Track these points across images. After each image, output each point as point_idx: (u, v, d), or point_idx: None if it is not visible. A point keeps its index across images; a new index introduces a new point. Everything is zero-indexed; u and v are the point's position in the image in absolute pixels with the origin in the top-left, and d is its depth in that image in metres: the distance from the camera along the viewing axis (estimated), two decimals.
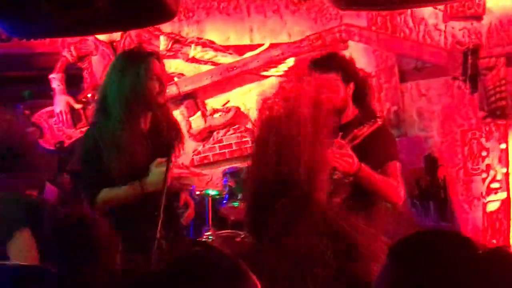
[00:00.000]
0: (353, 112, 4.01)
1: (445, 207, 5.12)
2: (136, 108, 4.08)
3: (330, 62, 4.01)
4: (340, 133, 3.82)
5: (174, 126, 4.30)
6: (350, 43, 6.16)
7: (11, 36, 3.66)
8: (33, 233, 3.62)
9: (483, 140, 4.72)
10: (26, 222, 3.65)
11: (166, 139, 4.12)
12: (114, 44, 6.22)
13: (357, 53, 6.17)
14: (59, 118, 6.14)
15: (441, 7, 5.03)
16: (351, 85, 3.97)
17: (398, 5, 3.48)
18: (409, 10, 5.19)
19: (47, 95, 6.23)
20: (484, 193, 4.77)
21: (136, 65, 4.11)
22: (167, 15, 3.33)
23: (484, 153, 4.75)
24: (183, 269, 1.90)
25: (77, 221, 3.09)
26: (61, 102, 6.15)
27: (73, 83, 6.28)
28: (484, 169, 4.75)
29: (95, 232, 3.07)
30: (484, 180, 4.76)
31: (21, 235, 3.60)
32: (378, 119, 3.91)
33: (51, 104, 6.17)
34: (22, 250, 3.56)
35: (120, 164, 4.00)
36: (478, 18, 4.67)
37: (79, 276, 2.95)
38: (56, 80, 6.15)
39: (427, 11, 5.02)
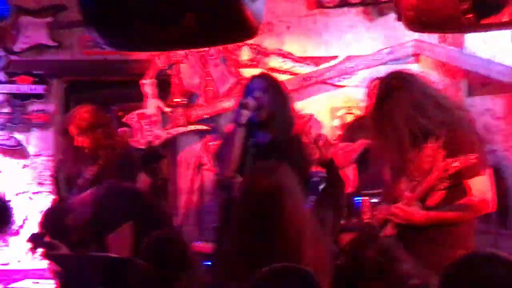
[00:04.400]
0: None
1: (505, 216, 5.05)
2: None
3: None
4: None
5: None
6: (421, 58, 6.13)
7: (104, 48, 3.77)
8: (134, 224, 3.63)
9: None
10: (130, 216, 3.66)
11: None
12: (202, 53, 6.33)
13: (427, 67, 6.13)
14: (150, 120, 6.29)
15: None
16: None
17: (468, 29, 3.47)
18: None
19: (139, 98, 6.39)
20: None
21: None
22: (250, 33, 3.41)
23: None
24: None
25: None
26: (152, 105, 6.31)
27: (163, 88, 6.43)
28: None
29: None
30: None
31: (122, 231, 3.61)
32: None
33: (143, 107, 6.32)
34: (120, 245, 3.56)
35: None
36: None
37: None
38: (147, 85, 6.31)
39: (495, 31, 4.95)
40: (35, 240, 3.90)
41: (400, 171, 3.87)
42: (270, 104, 4.18)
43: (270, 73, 4.55)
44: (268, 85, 4.28)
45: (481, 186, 3.71)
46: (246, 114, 4.09)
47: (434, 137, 3.77)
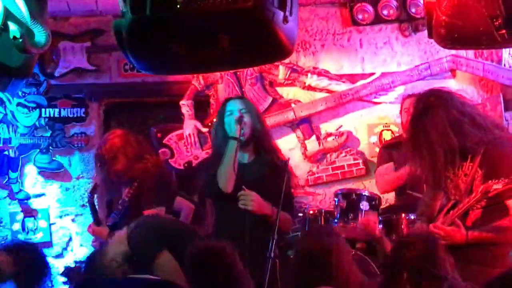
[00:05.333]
0: None
1: None
2: None
3: None
4: None
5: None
6: (458, 73, 6.09)
7: (141, 71, 3.82)
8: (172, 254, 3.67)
9: None
10: (164, 244, 3.70)
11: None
12: (238, 73, 6.37)
13: (464, 82, 6.10)
14: (188, 140, 6.34)
15: None
16: None
17: (501, 45, 3.44)
18: None
19: (177, 119, 6.45)
20: None
21: None
22: (284, 54, 3.42)
23: None
24: None
25: (216, 254, 3.16)
26: (190, 125, 6.36)
27: (201, 108, 6.48)
28: None
29: (232, 266, 3.15)
30: None
31: (161, 255, 3.64)
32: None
33: (181, 128, 6.38)
34: (166, 269, 3.59)
35: None
36: None
37: None
38: (185, 106, 6.36)
39: None
40: (70, 274, 3.99)
41: (436, 189, 3.86)
42: (252, 123, 4.37)
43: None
44: (246, 105, 4.46)
45: None
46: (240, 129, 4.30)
47: (471, 156, 3.75)
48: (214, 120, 6.28)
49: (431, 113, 3.80)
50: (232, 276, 3.08)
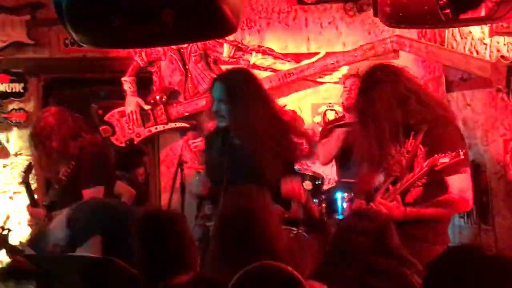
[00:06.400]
0: None
1: (486, 211, 5.06)
2: None
3: None
4: None
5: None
6: (401, 53, 6.14)
7: (83, 45, 3.74)
8: (107, 239, 3.80)
9: None
10: (99, 229, 3.83)
11: None
12: (182, 50, 6.30)
13: (407, 63, 6.13)
14: (130, 117, 6.26)
15: None
16: None
17: (445, 24, 3.47)
18: None
19: (119, 96, 6.36)
20: None
21: None
22: (229, 30, 3.38)
23: None
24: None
25: (169, 221, 3.07)
26: (132, 102, 6.28)
27: (143, 85, 6.40)
28: None
29: (183, 236, 3.06)
30: None
31: (92, 243, 3.77)
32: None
33: (123, 105, 6.29)
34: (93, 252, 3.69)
35: None
36: None
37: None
38: (127, 83, 6.27)
39: (473, 26, 4.97)
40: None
41: (378, 165, 3.89)
42: (229, 113, 4.17)
43: (230, 74, 4.49)
44: (227, 93, 4.20)
45: (461, 184, 3.75)
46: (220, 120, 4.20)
47: (413, 133, 3.80)
48: (157, 97, 6.27)
49: (379, 88, 3.83)
50: (182, 244, 3.01)
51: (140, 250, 3.02)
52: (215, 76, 6.22)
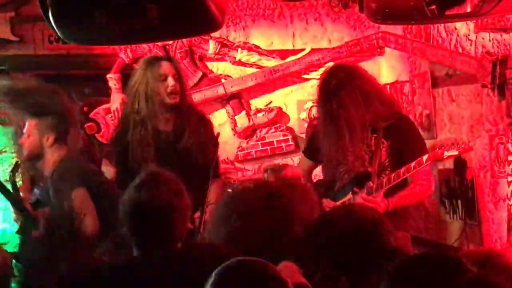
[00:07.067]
0: None
1: (472, 206, 5.08)
2: (147, 109, 4.35)
3: None
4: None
5: (211, 141, 4.40)
6: (386, 49, 6.15)
7: (67, 42, 3.73)
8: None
9: (509, 145, 4.67)
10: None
11: (187, 143, 4.30)
12: (167, 47, 6.28)
13: (393, 59, 6.17)
14: (115, 114, 6.23)
15: None
16: None
17: (431, 20, 3.48)
18: None
19: (104, 93, 6.32)
20: (509, 195, 4.72)
21: (144, 69, 4.67)
22: (214, 26, 3.37)
23: (510, 158, 4.69)
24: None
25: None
26: (117, 99, 6.23)
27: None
28: (510, 172, 4.69)
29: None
30: (509, 183, 4.70)
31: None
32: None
33: (108, 102, 6.26)
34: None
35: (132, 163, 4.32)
36: (507, 30, 4.61)
37: None
38: (113, 80, 6.24)
39: (459, 22, 4.98)
40: None
41: (337, 163, 4.05)
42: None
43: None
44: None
45: (423, 172, 4.15)
46: None
47: (374, 129, 3.97)
48: None
49: (346, 89, 3.96)
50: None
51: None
52: (200, 72, 6.26)
